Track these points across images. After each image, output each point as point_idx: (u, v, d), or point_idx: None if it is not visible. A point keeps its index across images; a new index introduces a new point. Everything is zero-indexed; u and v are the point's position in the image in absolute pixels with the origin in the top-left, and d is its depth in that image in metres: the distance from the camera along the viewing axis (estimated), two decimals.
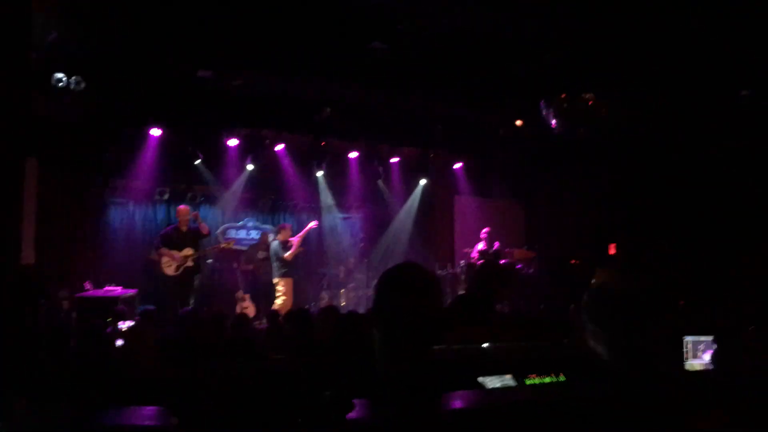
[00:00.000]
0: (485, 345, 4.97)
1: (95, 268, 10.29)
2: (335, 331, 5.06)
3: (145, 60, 8.82)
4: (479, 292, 4.69)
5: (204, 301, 10.00)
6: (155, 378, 3.68)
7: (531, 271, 12.05)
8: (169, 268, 9.75)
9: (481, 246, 12.20)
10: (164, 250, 9.80)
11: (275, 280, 10.58)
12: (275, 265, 10.63)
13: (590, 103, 8.96)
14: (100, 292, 9.01)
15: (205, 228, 10.00)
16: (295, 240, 10.70)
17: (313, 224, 11.16)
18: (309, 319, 5.94)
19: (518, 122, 11.79)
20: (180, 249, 9.80)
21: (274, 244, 10.78)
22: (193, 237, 9.90)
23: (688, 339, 4.36)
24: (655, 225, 11.91)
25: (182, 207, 10.17)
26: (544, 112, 9.30)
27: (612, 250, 12.58)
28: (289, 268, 10.60)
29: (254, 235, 12.80)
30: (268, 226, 13.40)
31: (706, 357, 4.22)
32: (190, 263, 9.79)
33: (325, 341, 4.92)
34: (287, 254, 10.55)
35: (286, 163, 12.24)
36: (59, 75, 8.63)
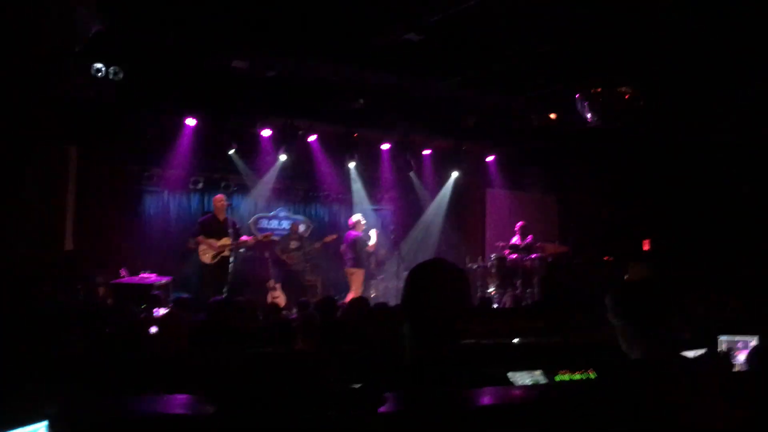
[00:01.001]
0: (515, 340, 4.97)
1: (131, 255, 10.48)
2: (365, 322, 5.09)
3: (182, 50, 8.93)
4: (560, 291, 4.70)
5: (236, 289, 10.12)
6: (189, 365, 3.75)
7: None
8: (206, 256, 9.85)
9: (515, 238, 12.14)
10: (201, 238, 9.91)
11: (351, 270, 11.14)
12: (357, 255, 11.17)
13: (626, 96, 8.83)
14: (135, 279, 9.18)
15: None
16: (376, 232, 11.34)
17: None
18: (339, 310, 5.98)
19: (552, 115, 11.67)
20: (218, 237, 9.90)
21: (360, 236, 11.33)
22: (232, 226, 9.99)
23: (723, 339, 4.27)
24: (691, 220, 11.72)
25: (219, 195, 10.26)
26: (579, 106, 9.19)
27: (646, 246, 12.41)
28: (364, 259, 11.35)
29: (285, 225, 12.90)
30: (299, 216, 13.48)
31: (741, 357, 4.14)
32: (226, 252, 9.88)
33: (355, 332, 4.96)
34: (370, 245, 11.28)
35: (319, 153, 12.30)
36: (98, 65, 8.79)
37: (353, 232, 11.32)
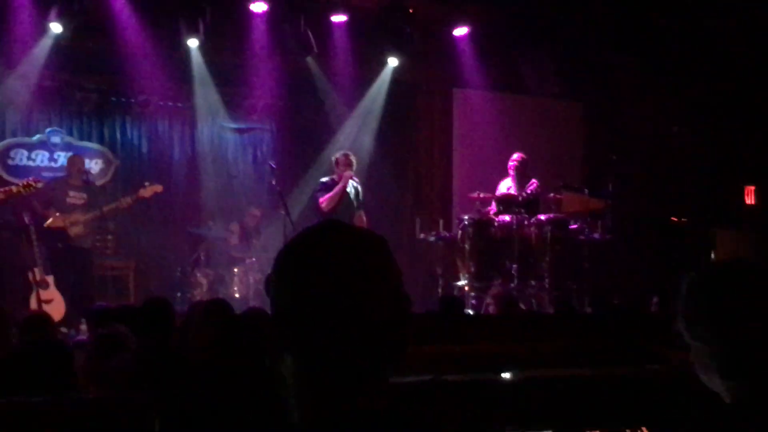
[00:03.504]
0: (506, 375, 5.06)
1: None
2: (222, 346, 5.08)
3: None
4: None
5: None
6: None
7: (596, 235, 12.18)
8: None
9: (506, 186, 12.24)
10: None
11: None
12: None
13: None
14: None
15: None
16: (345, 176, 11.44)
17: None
18: (171, 322, 5.95)
19: None
20: None
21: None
22: None
23: None
24: None
25: None
26: None
27: (750, 198, 12.75)
28: None
29: (62, 160, 12.67)
30: (90, 144, 13.26)
31: None
32: None
33: (204, 366, 4.95)
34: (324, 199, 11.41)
35: (126, 20, 12.07)
36: None
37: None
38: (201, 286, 12.08)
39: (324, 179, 11.61)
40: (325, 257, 1.80)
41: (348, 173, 11.38)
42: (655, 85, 13.65)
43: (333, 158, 11.73)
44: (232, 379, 4.24)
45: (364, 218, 11.65)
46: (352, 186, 11.51)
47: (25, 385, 4.66)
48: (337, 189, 11.33)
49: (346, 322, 1.77)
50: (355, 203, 11.53)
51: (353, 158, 11.59)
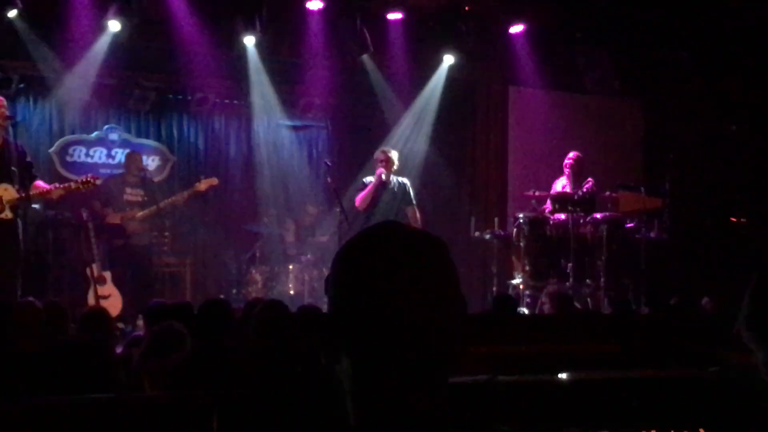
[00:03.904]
0: (562, 375, 5.03)
1: None
2: (277, 346, 5.08)
3: None
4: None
5: (27, 282, 10.00)
6: None
7: (653, 234, 12.08)
8: None
9: (561, 184, 12.17)
10: None
11: None
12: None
13: None
14: None
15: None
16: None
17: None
18: (229, 323, 5.96)
19: None
20: None
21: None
22: (18, 160, 9.75)
23: None
24: None
25: None
26: None
27: None
28: None
29: (120, 156, 12.75)
30: (147, 141, 13.34)
31: None
32: (7, 214, 9.68)
33: (256, 366, 4.96)
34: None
35: (186, 18, 12.11)
36: None
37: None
38: (256, 283, 12.13)
39: (365, 178, 11.63)
40: (382, 259, 1.80)
41: (379, 170, 11.39)
42: (713, 82, 13.51)
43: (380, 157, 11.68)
44: (288, 379, 4.24)
45: (418, 215, 11.61)
46: (397, 182, 11.50)
47: (84, 383, 4.66)
48: (369, 187, 11.38)
49: (402, 324, 1.76)
50: (400, 200, 11.50)
51: (392, 154, 11.60)
